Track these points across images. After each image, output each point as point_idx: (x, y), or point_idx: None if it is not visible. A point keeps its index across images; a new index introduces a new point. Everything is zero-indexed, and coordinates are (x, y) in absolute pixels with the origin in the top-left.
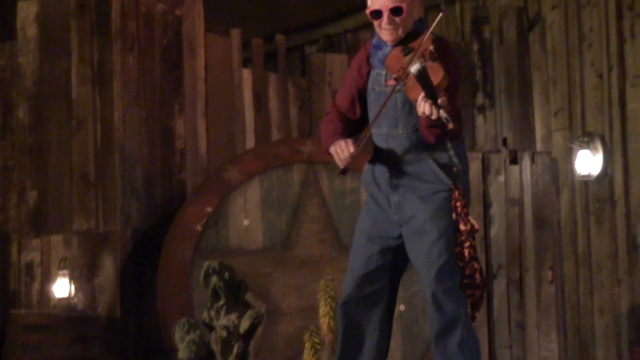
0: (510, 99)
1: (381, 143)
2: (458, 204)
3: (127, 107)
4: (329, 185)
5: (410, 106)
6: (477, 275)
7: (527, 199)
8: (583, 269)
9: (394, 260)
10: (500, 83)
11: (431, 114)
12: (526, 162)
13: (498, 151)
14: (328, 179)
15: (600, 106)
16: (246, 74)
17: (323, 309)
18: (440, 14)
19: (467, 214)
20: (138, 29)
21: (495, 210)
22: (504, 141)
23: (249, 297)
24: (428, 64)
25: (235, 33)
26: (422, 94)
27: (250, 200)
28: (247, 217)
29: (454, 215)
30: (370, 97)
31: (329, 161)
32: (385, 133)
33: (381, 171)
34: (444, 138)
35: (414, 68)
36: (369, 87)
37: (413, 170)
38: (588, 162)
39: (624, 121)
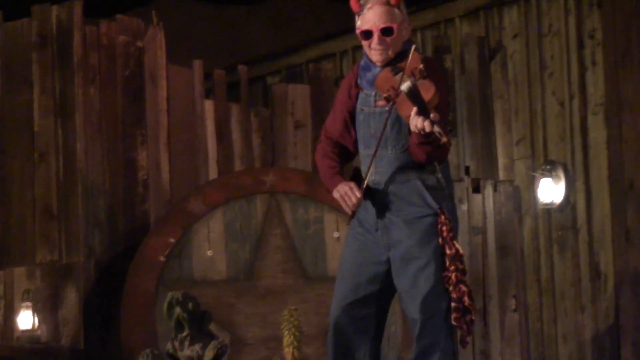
0: (473, 128)
1: (369, 164)
2: (444, 228)
3: (90, 139)
4: (292, 215)
5: (400, 127)
6: (466, 298)
7: (490, 228)
8: (546, 297)
9: (383, 286)
10: (462, 112)
11: (424, 128)
12: (489, 190)
13: (461, 180)
14: (291, 209)
15: (562, 135)
16: (208, 105)
17: (287, 338)
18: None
19: (452, 238)
20: (100, 60)
21: (458, 238)
22: (467, 170)
23: (213, 327)
24: (419, 82)
25: (198, 64)
26: (415, 109)
27: (213, 230)
28: (211, 248)
29: (440, 240)
30: (359, 118)
31: (291, 191)
32: (373, 154)
33: (369, 193)
34: (435, 156)
35: (404, 86)
36: (358, 108)
37: (400, 192)
38: (550, 191)
39: (586, 149)
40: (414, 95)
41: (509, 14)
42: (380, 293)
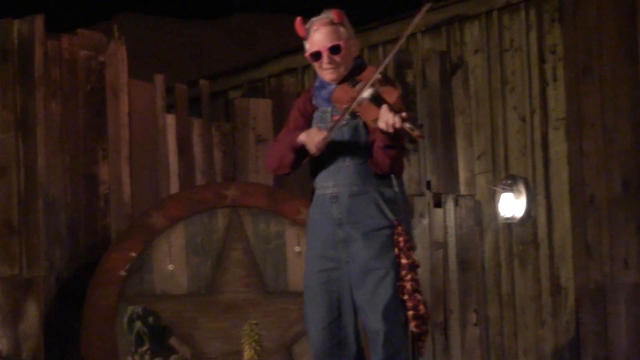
0: (434, 143)
1: (326, 177)
2: (401, 238)
3: (51, 153)
4: (253, 229)
5: (358, 139)
6: (421, 307)
7: (451, 242)
8: (507, 311)
9: (352, 300)
10: (424, 127)
11: (394, 124)
12: (450, 205)
13: (422, 194)
14: (252, 223)
15: (523, 149)
16: (170, 119)
17: (247, 353)
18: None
19: (409, 249)
20: (61, 75)
21: (419, 253)
22: (428, 184)
23: (174, 341)
24: (380, 88)
25: (159, 78)
26: (385, 107)
27: (174, 245)
28: (172, 262)
29: (396, 250)
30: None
31: (253, 205)
32: (332, 167)
33: (327, 207)
34: (398, 164)
35: (367, 93)
36: (314, 126)
37: (358, 204)
38: (511, 205)
39: (547, 164)
40: (377, 99)
41: (470, 29)
42: (353, 307)
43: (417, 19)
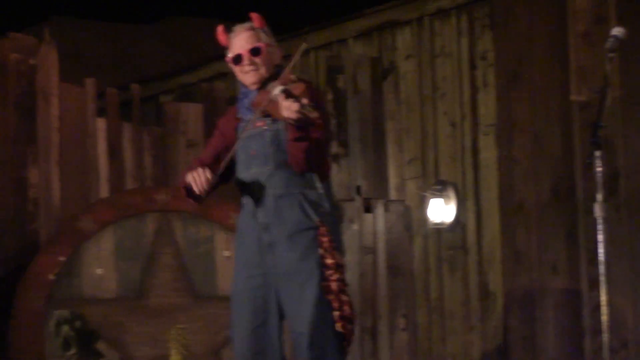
0: (365, 148)
1: (252, 183)
2: (324, 239)
3: None
4: (182, 233)
5: (279, 143)
6: (347, 307)
7: (381, 247)
8: (436, 316)
9: (278, 304)
10: (355, 132)
11: (293, 106)
12: (380, 210)
13: (352, 200)
14: (182, 228)
15: (453, 155)
16: (101, 124)
17: (174, 357)
18: (304, 45)
19: (333, 249)
20: None
21: (349, 258)
22: (358, 189)
23: (101, 346)
24: (291, 86)
25: (90, 82)
26: (283, 95)
27: (103, 249)
28: (101, 266)
29: (320, 251)
30: (239, 145)
31: (183, 210)
32: (255, 172)
33: (252, 212)
34: (313, 158)
35: (276, 90)
36: (237, 137)
37: (282, 207)
38: (441, 210)
39: (477, 169)
40: (288, 96)
41: (401, 34)
42: (278, 314)
43: (297, 58)
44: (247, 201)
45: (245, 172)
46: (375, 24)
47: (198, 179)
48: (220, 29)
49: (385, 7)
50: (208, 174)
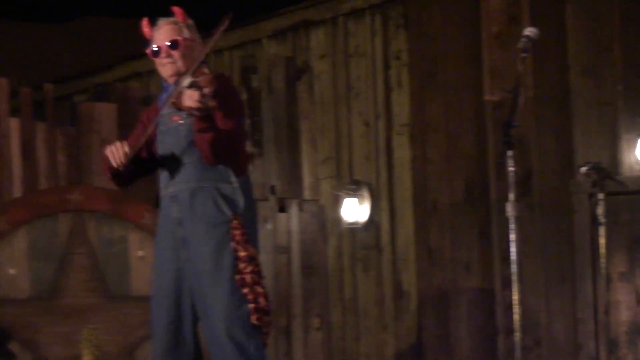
0: (279, 148)
1: (167, 178)
2: (237, 232)
3: None
4: (96, 233)
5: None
6: (262, 299)
7: (295, 247)
8: (350, 316)
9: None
10: (269, 132)
11: (193, 96)
12: (294, 210)
13: (266, 199)
14: (96, 228)
15: (367, 154)
16: (14, 123)
17: (87, 357)
18: (227, 21)
19: (246, 242)
20: None
21: (263, 258)
22: (272, 189)
23: (14, 346)
24: (200, 78)
25: (3, 82)
26: (185, 86)
27: (16, 249)
28: (14, 266)
29: (233, 244)
30: (159, 140)
31: (97, 210)
32: (171, 168)
33: (167, 208)
34: (221, 148)
35: (185, 82)
36: (158, 132)
37: (197, 202)
38: (355, 210)
39: (391, 169)
40: (192, 85)
41: (316, 34)
42: (192, 307)
43: (218, 35)
44: (164, 196)
45: (163, 167)
46: (290, 23)
47: (116, 152)
48: (144, 21)
49: (300, 7)
50: (126, 147)
